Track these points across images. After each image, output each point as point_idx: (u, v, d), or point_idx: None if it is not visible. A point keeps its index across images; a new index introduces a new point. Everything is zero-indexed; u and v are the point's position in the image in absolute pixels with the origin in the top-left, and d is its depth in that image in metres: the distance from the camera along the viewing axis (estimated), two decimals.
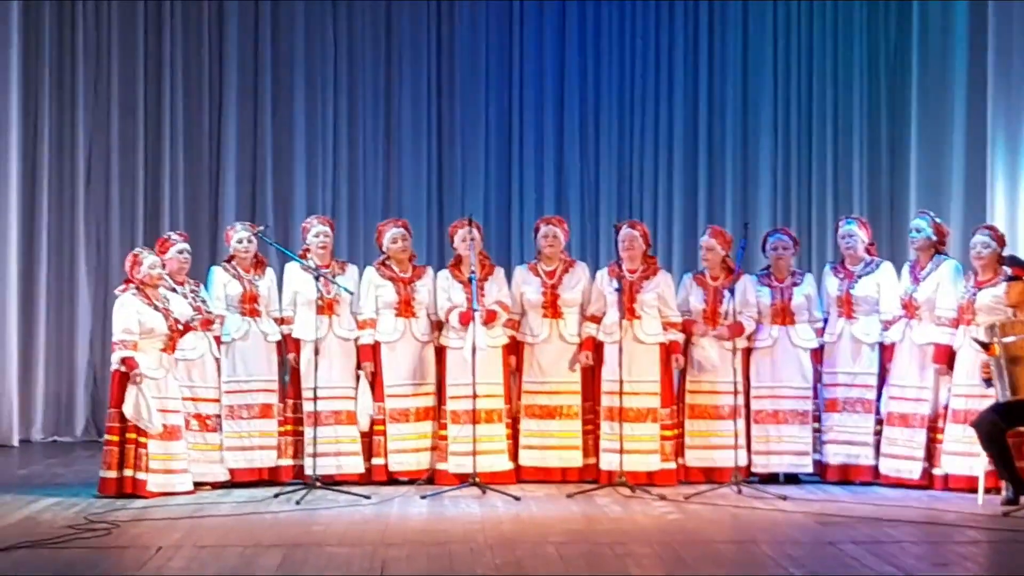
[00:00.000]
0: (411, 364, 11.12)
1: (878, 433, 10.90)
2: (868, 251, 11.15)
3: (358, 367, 11.07)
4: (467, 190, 15.07)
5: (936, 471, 10.63)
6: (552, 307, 11.17)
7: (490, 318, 10.97)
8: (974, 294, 10.47)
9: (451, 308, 11.03)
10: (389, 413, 11.04)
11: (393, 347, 11.10)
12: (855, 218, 11.42)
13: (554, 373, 11.13)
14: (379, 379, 11.07)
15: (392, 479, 10.99)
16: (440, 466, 10.99)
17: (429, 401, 11.14)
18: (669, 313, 11.06)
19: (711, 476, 10.93)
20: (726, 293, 10.87)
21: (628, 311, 10.87)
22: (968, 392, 10.37)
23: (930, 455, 10.67)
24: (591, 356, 11.09)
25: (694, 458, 11.03)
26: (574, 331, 11.16)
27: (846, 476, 10.99)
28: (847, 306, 11.01)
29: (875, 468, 10.90)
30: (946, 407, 10.60)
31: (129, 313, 10.27)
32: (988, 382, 9.86)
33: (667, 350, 11.03)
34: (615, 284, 10.93)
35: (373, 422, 11.04)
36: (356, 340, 11.10)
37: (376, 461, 11.03)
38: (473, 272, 10.84)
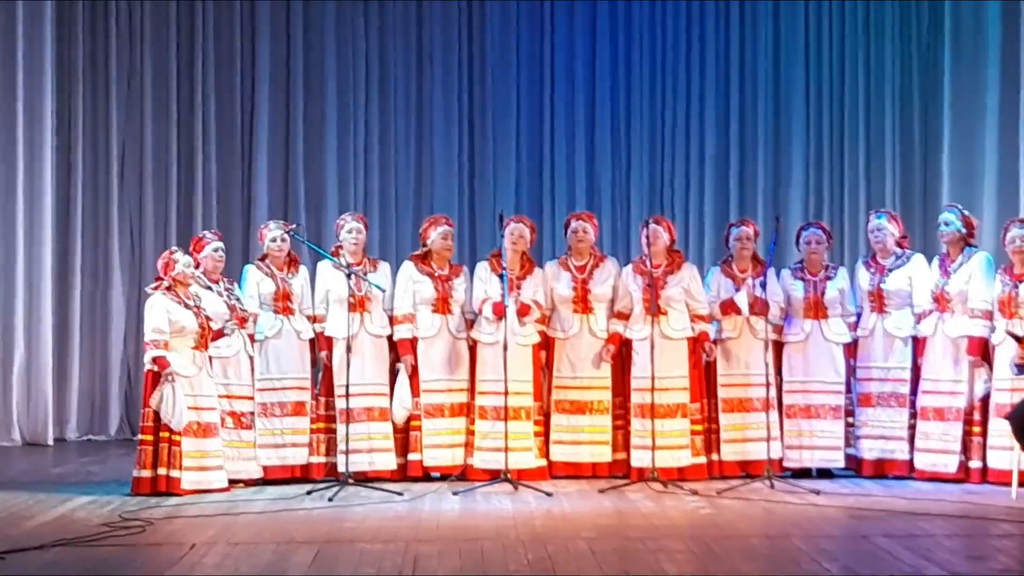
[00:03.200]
0: (446, 360, 11.13)
1: (912, 427, 10.87)
2: (900, 244, 11.10)
3: (397, 361, 11.09)
4: (498, 187, 15.08)
5: (972, 464, 10.59)
6: (583, 302, 11.17)
7: (524, 311, 10.97)
8: (1015, 287, 10.42)
9: (485, 299, 11.04)
10: (424, 409, 11.05)
11: (430, 343, 11.12)
12: (885, 212, 11.38)
13: (584, 368, 11.13)
14: (415, 374, 11.09)
15: (425, 475, 11.01)
16: (468, 461, 11.02)
17: (463, 397, 11.15)
18: (696, 306, 11.05)
19: (747, 469, 10.93)
20: (756, 284, 10.84)
21: (655, 307, 10.86)
22: (1012, 386, 10.30)
23: (966, 448, 10.63)
24: (614, 349, 11.08)
25: (730, 452, 11.01)
26: (604, 326, 11.16)
27: (881, 471, 10.95)
28: (879, 300, 10.98)
29: (910, 462, 10.86)
30: (982, 400, 10.56)
31: (159, 312, 10.29)
32: (1021, 368, 9.80)
33: (695, 343, 11.02)
34: (641, 280, 10.93)
35: (409, 417, 11.06)
36: (390, 336, 11.11)
37: (412, 457, 11.05)
38: (505, 269, 10.84)
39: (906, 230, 11.38)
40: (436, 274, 11.18)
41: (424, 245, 11.30)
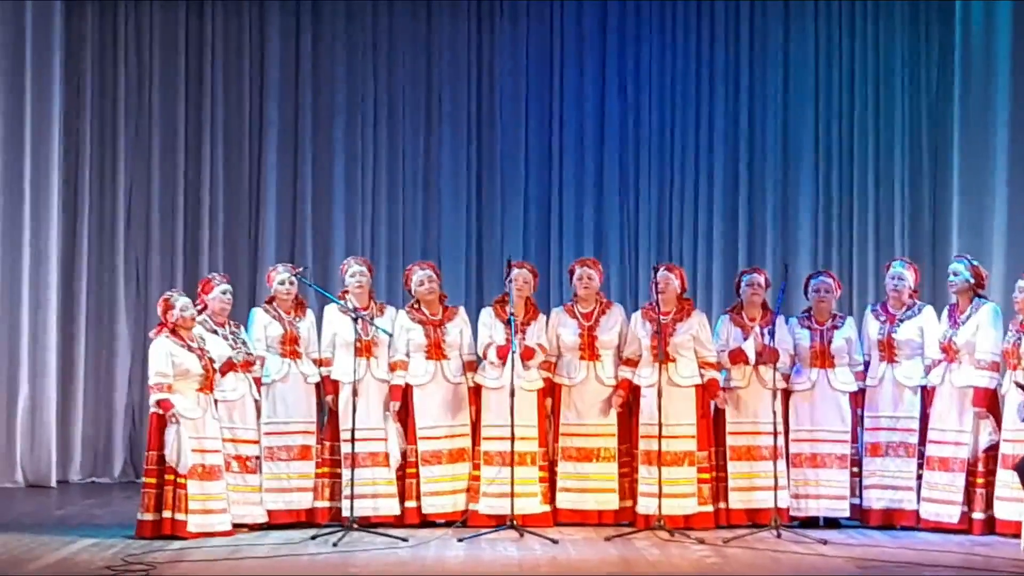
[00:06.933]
0: (443, 406, 11.08)
1: (920, 477, 10.83)
2: (912, 296, 11.09)
3: (387, 408, 11.06)
4: (506, 232, 15.06)
5: (975, 515, 10.53)
6: (589, 349, 11.13)
7: (528, 354, 10.93)
8: (1019, 338, 10.40)
9: (489, 344, 11.01)
10: (421, 455, 11.00)
11: (424, 389, 11.07)
12: (907, 261, 11.32)
13: (591, 416, 11.08)
14: (411, 421, 11.04)
15: (427, 521, 10.95)
16: (472, 507, 10.96)
17: (463, 443, 11.09)
18: (705, 353, 11.00)
19: (754, 518, 10.87)
20: (764, 332, 10.81)
21: (663, 354, 10.82)
22: (1015, 437, 10.29)
23: (969, 499, 10.58)
24: (624, 396, 11.03)
25: (737, 500, 10.96)
26: (611, 373, 11.12)
27: (889, 521, 10.89)
28: (889, 350, 10.95)
29: (918, 512, 10.82)
30: (986, 451, 10.52)
31: (162, 355, 10.29)
32: None
33: (703, 391, 10.98)
34: (650, 327, 10.90)
35: (404, 464, 11.00)
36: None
37: (409, 504, 11.00)
38: (512, 315, 10.82)
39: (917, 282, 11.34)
40: (428, 320, 11.14)
41: (409, 293, 11.29)
